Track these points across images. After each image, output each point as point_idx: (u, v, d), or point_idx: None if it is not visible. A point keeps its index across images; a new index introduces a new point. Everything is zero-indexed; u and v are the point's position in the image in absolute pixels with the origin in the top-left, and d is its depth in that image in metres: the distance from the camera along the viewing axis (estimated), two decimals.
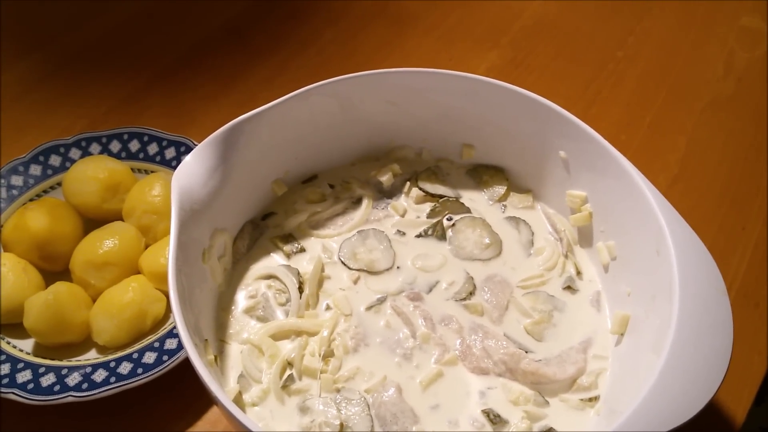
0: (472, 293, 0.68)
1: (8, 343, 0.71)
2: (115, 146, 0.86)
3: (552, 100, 0.70)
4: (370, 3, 1.17)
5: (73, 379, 0.67)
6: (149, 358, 0.68)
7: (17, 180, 0.82)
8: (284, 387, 0.61)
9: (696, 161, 0.95)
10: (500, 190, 0.76)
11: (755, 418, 0.77)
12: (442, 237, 0.73)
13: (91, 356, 0.71)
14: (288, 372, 0.62)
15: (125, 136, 0.86)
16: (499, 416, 0.60)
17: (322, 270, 0.69)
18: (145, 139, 0.86)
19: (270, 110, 0.67)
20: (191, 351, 0.52)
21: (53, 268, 0.77)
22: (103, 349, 0.72)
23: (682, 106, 1.02)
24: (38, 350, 0.71)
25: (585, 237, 0.71)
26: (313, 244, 0.72)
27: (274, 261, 0.71)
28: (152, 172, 0.84)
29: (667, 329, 0.54)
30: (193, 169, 0.63)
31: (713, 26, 1.14)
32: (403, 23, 1.14)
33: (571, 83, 1.05)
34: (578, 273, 0.70)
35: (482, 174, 0.77)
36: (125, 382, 0.66)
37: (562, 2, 1.18)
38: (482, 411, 0.60)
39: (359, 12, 1.16)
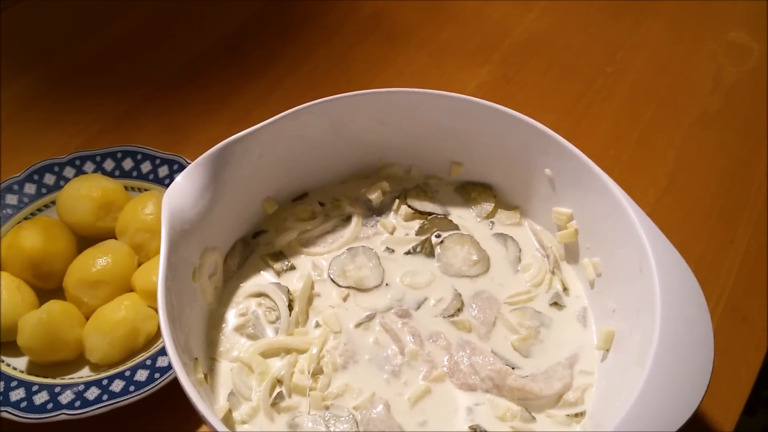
0: (460, 310, 0.69)
1: (2, 361, 0.72)
2: (108, 165, 0.87)
3: (542, 115, 0.71)
4: (363, 20, 1.19)
5: (66, 397, 0.68)
6: (141, 375, 0.69)
7: (12, 199, 0.83)
8: (274, 404, 0.62)
9: (684, 175, 0.96)
10: (488, 207, 0.77)
11: (748, 429, 0.78)
12: (431, 254, 0.73)
13: (84, 374, 0.72)
14: (277, 389, 0.63)
15: (119, 155, 0.87)
16: None
17: (312, 287, 0.70)
18: (139, 157, 0.87)
19: (261, 130, 0.68)
20: (180, 371, 0.52)
21: (47, 286, 0.77)
22: (95, 367, 0.72)
23: (670, 121, 1.03)
24: (32, 368, 0.72)
25: (571, 253, 0.72)
26: (303, 261, 0.73)
27: (265, 279, 0.71)
28: (145, 190, 0.85)
29: (649, 344, 0.55)
30: (183, 189, 0.64)
31: (701, 42, 1.16)
32: (395, 40, 1.15)
33: (561, 98, 1.06)
34: (565, 289, 0.71)
35: (470, 191, 0.78)
36: (117, 399, 0.67)
37: (552, 18, 1.20)
38: (469, 427, 0.61)
39: (352, 29, 1.17)
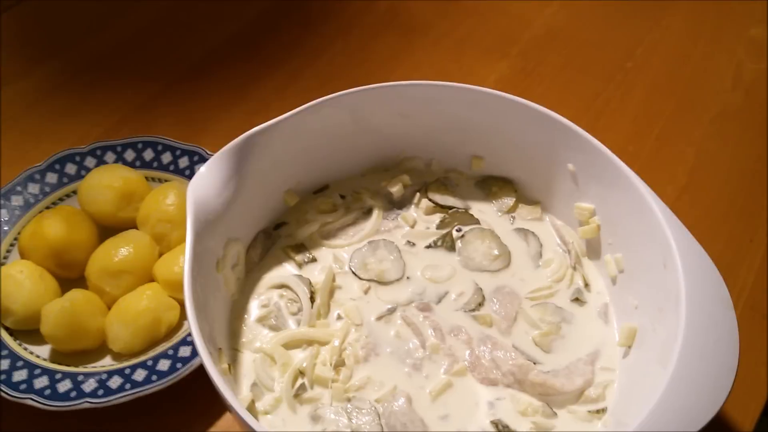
0: (481, 304, 0.69)
1: (25, 349, 0.72)
2: (129, 155, 0.87)
3: (560, 110, 0.70)
4: (381, 13, 1.18)
5: (89, 385, 0.68)
6: (163, 365, 0.70)
7: (34, 188, 0.84)
8: (296, 396, 0.62)
9: (704, 172, 0.95)
10: (509, 201, 0.77)
11: (766, 429, 0.78)
12: (452, 248, 0.73)
13: (107, 363, 0.72)
14: (300, 381, 0.63)
15: (139, 145, 0.87)
16: (507, 427, 0.61)
17: (333, 280, 0.70)
18: (159, 148, 0.87)
19: (283, 122, 0.68)
20: (207, 360, 0.53)
21: (69, 275, 0.78)
22: (118, 356, 0.73)
23: (690, 117, 1.02)
24: (55, 356, 0.73)
25: (593, 249, 0.72)
26: (324, 254, 0.73)
27: (286, 270, 0.72)
28: (166, 181, 0.85)
29: (673, 342, 0.54)
30: (207, 179, 0.64)
31: (722, 37, 1.15)
32: (413, 33, 1.15)
33: (580, 94, 1.05)
34: (586, 285, 0.71)
35: (491, 185, 0.78)
36: (140, 389, 0.67)
37: (571, 13, 1.19)
38: (491, 422, 0.61)
39: (370, 22, 1.17)
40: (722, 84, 1.07)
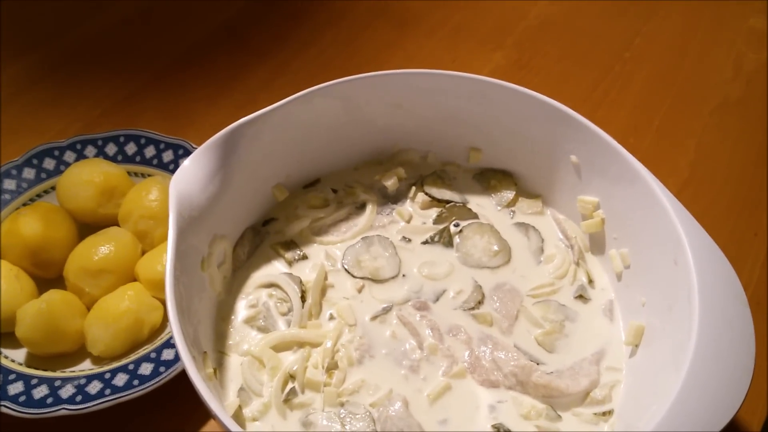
0: (480, 302, 0.66)
1: (0, 353, 0.69)
2: (111, 149, 0.83)
3: (558, 102, 0.68)
4: (372, 3, 1.15)
5: (67, 391, 0.65)
6: (146, 369, 0.66)
7: (10, 184, 0.80)
8: (286, 401, 0.59)
9: (706, 165, 0.93)
10: (509, 195, 0.74)
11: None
12: (449, 244, 0.70)
13: (86, 367, 0.69)
14: (290, 385, 0.60)
15: (121, 139, 0.84)
16: (509, 431, 0.58)
17: (325, 278, 0.67)
18: (142, 141, 0.84)
19: (272, 113, 0.65)
20: (189, 365, 0.49)
21: (47, 275, 0.74)
22: (97, 360, 0.70)
23: (690, 109, 1.00)
24: (31, 361, 0.69)
25: (597, 244, 0.69)
26: (315, 251, 0.70)
27: (276, 269, 0.68)
28: (149, 175, 0.82)
29: (686, 343, 0.52)
30: (191, 174, 0.61)
31: (721, 28, 1.13)
32: (405, 24, 1.12)
33: (578, 85, 1.03)
34: (590, 281, 0.68)
35: (490, 178, 0.75)
36: (121, 394, 0.64)
37: (567, 3, 1.16)
38: (492, 426, 0.58)
39: (361, 12, 1.14)
40: (722, 75, 1.05)
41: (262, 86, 1.01)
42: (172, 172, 0.80)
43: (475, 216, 0.73)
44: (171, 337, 0.68)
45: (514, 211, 0.74)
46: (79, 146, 0.83)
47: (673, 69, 1.06)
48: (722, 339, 0.52)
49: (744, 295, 0.54)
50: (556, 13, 1.14)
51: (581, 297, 0.67)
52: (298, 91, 0.67)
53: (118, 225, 0.77)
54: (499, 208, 0.74)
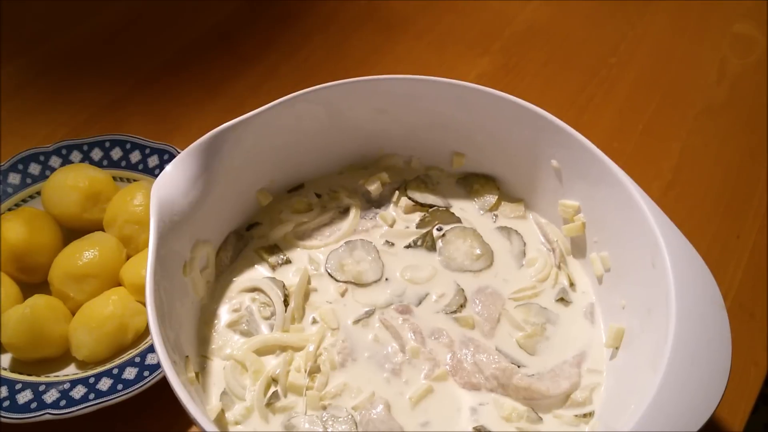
0: (462, 306, 0.66)
1: None
2: (96, 154, 0.84)
3: (543, 106, 0.68)
4: (360, 7, 1.16)
5: (51, 395, 0.65)
6: (130, 373, 0.66)
7: None
8: (269, 404, 0.59)
9: (690, 168, 0.94)
10: (491, 199, 0.74)
11: (750, 426, 0.76)
12: (432, 248, 0.71)
13: (70, 371, 0.69)
14: (272, 389, 0.60)
15: (107, 144, 0.84)
16: None
17: (309, 282, 0.67)
18: (128, 146, 0.84)
19: (255, 117, 0.65)
20: (169, 370, 0.50)
21: (31, 280, 0.74)
22: (82, 364, 0.70)
23: (675, 113, 1.01)
24: (15, 366, 0.69)
25: (578, 247, 0.70)
26: (299, 255, 0.70)
27: (259, 273, 0.69)
28: (134, 180, 0.82)
29: (663, 345, 0.52)
30: (173, 179, 0.61)
31: (706, 32, 1.14)
32: (393, 28, 1.13)
33: (563, 89, 1.04)
34: (571, 284, 0.68)
35: (473, 183, 0.76)
36: (105, 398, 0.64)
37: (554, 8, 1.17)
38: (474, 428, 0.58)
39: (349, 16, 1.14)
40: (707, 79, 1.06)
41: (250, 91, 1.01)
42: (158, 177, 0.80)
43: (458, 220, 0.73)
44: None
45: (496, 215, 0.74)
46: (64, 151, 0.83)
47: (658, 73, 1.07)
48: (699, 340, 0.52)
49: (720, 296, 0.55)
50: (542, 18, 1.15)
51: (562, 300, 0.67)
52: (286, 95, 0.67)
53: (103, 230, 0.77)
54: (481, 212, 0.74)
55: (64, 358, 0.70)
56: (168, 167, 0.61)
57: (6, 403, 0.64)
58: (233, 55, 1.07)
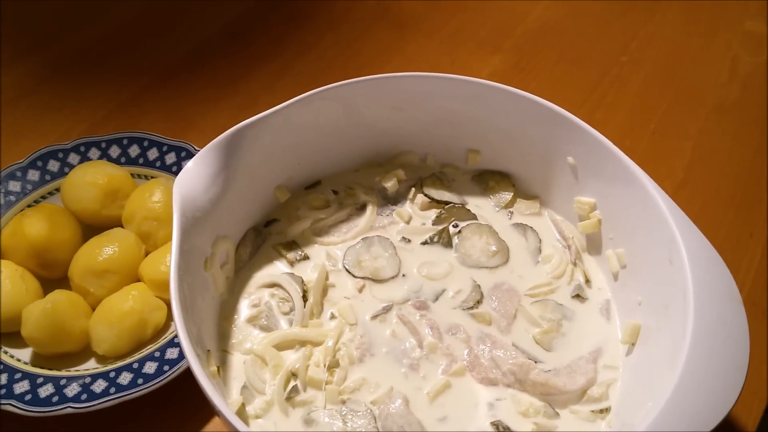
0: (479, 302, 0.67)
1: (5, 352, 0.70)
2: (114, 151, 0.84)
3: (555, 104, 0.68)
4: (372, 6, 1.16)
5: (72, 389, 0.66)
6: (150, 368, 0.67)
7: (15, 185, 0.81)
8: (288, 398, 0.60)
9: (702, 167, 0.94)
10: (507, 196, 0.75)
11: (764, 424, 0.76)
12: (448, 244, 0.71)
13: (90, 366, 0.70)
14: (292, 383, 0.61)
15: (125, 141, 0.85)
16: (508, 428, 0.59)
17: (327, 278, 0.68)
18: (145, 144, 0.85)
19: (273, 115, 0.66)
20: (194, 363, 0.50)
21: (52, 275, 0.75)
22: (102, 359, 0.70)
23: (686, 111, 1.01)
24: (36, 360, 0.70)
25: (594, 244, 0.70)
26: (316, 251, 0.71)
27: (278, 269, 0.69)
28: (152, 177, 0.83)
29: (681, 342, 0.52)
30: (194, 175, 0.61)
31: (717, 31, 1.14)
32: (404, 27, 1.13)
33: (575, 88, 1.04)
34: (587, 281, 0.69)
35: (488, 180, 0.76)
36: (125, 392, 0.65)
37: (565, 6, 1.17)
38: (491, 423, 0.59)
39: (361, 15, 1.15)
40: (718, 77, 1.06)
41: (264, 89, 1.02)
42: (175, 174, 0.81)
43: (474, 217, 0.73)
44: (174, 337, 0.69)
45: (512, 212, 0.74)
46: (82, 148, 0.84)
47: (670, 72, 1.07)
48: (717, 337, 0.53)
49: (738, 293, 0.55)
50: (553, 16, 1.15)
51: (578, 296, 0.68)
52: (299, 93, 0.68)
53: (121, 226, 0.77)
54: (497, 209, 0.75)
55: (84, 352, 0.71)
56: (189, 164, 0.61)
57: (28, 397, 0.65)
58: (246, 53, 1.08)
